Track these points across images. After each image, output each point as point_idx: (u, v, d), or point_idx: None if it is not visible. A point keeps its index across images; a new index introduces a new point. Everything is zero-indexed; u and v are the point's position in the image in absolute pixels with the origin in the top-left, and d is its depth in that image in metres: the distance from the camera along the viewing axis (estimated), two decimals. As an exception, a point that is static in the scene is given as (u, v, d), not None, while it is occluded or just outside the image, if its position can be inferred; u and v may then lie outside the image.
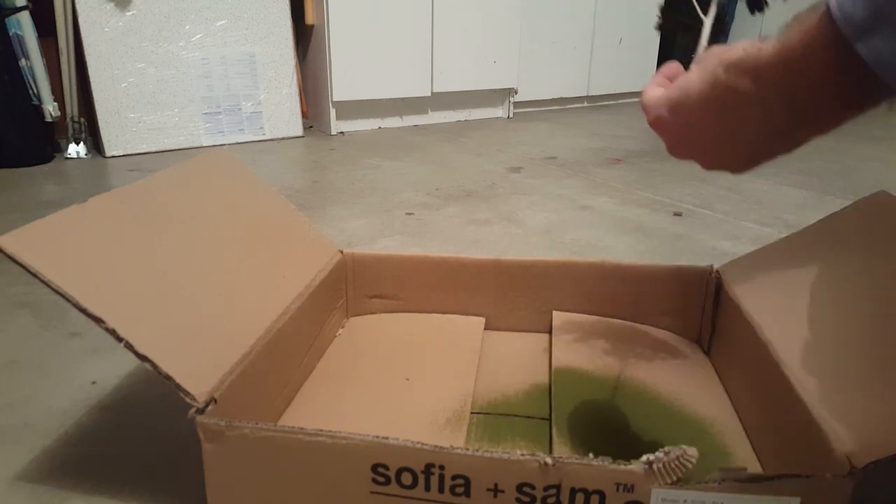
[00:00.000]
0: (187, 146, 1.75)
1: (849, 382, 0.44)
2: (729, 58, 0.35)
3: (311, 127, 2.03)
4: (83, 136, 1.64)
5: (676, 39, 2.58)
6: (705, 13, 0.54)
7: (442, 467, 0.39)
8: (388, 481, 0.40)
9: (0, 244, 0.40)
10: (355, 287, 0.72)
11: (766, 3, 0.52)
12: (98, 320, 0.41)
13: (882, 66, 0.28)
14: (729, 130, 0.37)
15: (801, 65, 0.31)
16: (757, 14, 0.53)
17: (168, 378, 0.42)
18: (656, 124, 0.41)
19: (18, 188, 1.36)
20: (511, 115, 2.29)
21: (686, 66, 0.53)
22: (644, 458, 0.37)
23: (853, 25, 0.28)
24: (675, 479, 0.37)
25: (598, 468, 0.38)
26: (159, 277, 0.50)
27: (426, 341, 0.67)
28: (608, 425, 0.54)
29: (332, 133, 1.96)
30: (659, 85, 0.42)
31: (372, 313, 0.73)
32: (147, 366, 0.42)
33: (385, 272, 0.71)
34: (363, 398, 0.58)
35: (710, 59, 0.36)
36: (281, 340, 0.55)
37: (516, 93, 2.27)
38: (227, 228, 0.60)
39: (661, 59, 2.58)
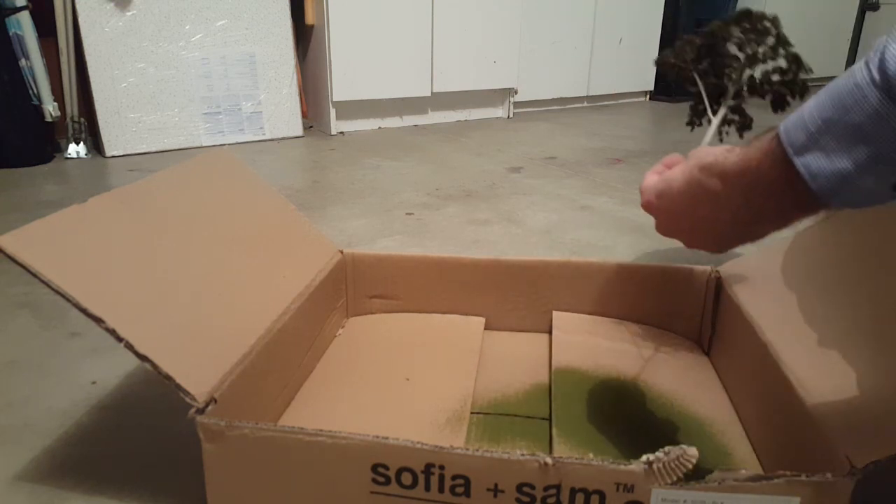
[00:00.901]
0: (187, 146, 1.75)
1: (849, 382, 0.44)
2: (704, 161, 0.43)
3: (311, 127, 2.03)
4: (83, 136, 1.64)
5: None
6: (715, 114, 0.61)
7: (442, 467, 0.39)
8: (388, 481, 0.40)
9: (0, 244, 0.40)
10: (355, 287, 0.72)
11: (788, 103, 0.59)
12: (98, 320, 0.41)
13: (812, 178, 0.36)
14: (701, 218, 0.45)
15: (755, 173, 0.40)
16: (780, 112, 0.60)
17: (168, 378, 0.42)
18: (647, 207, 0.49)
19: (18, 188, 1.36)
20: (511, 115, 2.29)
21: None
22: (644, 458, 0.37)
23: (793, 146, 0.37)
24: (675, 479, 0.37)
25: (598, 468, 0.38)
26: (159, 277, 0.50)
27: (426, 341, 0.67)
28: (608, 425, 0.54)
29: (332, 133, 1.96)
30: (657, 173, 0.50)
31: (372, 313, 0.73)
32: (147, 366, 0.42)
33: (385, 272, 0.71)
34: (363, 398, 0.58)
35: (692, 160, 0.45)
36: (281, 340, 0.55)
37: (516, 93, 2.27)
38: (227, 228, 0.60)
39: (661, 60, 2.58)
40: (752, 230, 0.43)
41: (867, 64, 0.35)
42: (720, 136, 0.65)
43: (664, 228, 0.50)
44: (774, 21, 0.61)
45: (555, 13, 2.28)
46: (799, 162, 0.36)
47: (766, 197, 0.40)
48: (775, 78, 0.62)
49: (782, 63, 0.61)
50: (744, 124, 0.66)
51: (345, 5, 1.84)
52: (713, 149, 0.44)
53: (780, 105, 0.62)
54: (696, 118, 0.68)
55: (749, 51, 0.61)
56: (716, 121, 0.60)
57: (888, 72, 0.33)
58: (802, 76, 0.61)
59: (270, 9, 1.80)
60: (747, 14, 0.61)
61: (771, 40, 0.61)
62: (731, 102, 0.62)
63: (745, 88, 0.62)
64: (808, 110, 0.37)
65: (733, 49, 0.62)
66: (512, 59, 2.18)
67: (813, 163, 0.36)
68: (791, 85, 0.61)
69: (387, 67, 1.96)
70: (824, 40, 3.07)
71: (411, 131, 2.04)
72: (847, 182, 0.35)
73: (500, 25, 2.12)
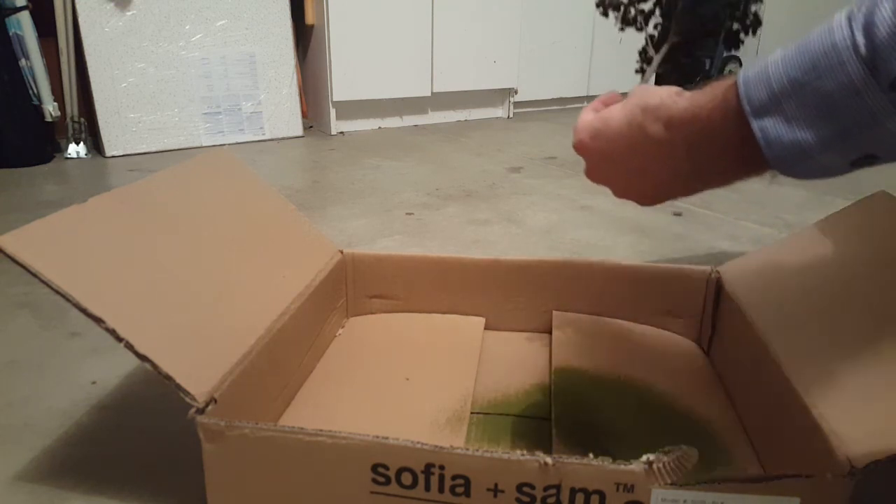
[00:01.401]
0: (187, 146, 1.75)
1: (849, 382, 0.44)
2: (648, 102, 0.39)
3: (311, 127, 2.03)
4: (83, 136, 1.64)
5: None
6: (657, 51, 0.58)
7: (442, 467, 0.39)
8: (388, 481, 0.40)
9: (0, 244, 0.40)
10: (355, 287, 0.72)
11: (741, 40, 0.55)
12: (98, 320, 0.41)
13: (768, 145, 0.32)
14: (637, 166, 0.40)
15: (704, 124, 0.35)
16: (734, 51, 0.56)
17: (168, 378, 0.42)
18: (579, 147, 0.44)
19: (18, 188, 1.36)
20: (511, 115, 2.29)
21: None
22: (644, 458, 0.37)
23: (751, 104, 0.32)
24: (675, 479, 0.37)
25: (598, 468, 0.38)
26: (159, 277, 0.50)
27: (426, 341, 0.67)
28: (608, 425, 0.54)
29: (332, 133, 1.96)
30: (594, 110, 0.45)
31: (372, 313, 0.73)
32: (147, 366, 0.42)
33: (385, 272, 0.71)
34: (363, 398, 0.58)
35: (634, 98, 0.40)
36: (281, 340, 0.55)
37: (516, 93, 2.27)
38: (227, 228, 0.60)
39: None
40: (690, 185, 0.39)
41: (850, 21, 0.29)
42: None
43: (595, 174, 0.45)
44: None
45: (555, 13, 2.28)
46: (756, 124, 0.32)
47: (712, 151, 0.36)
48: (720, 13, 0.57)
49: None
50: (705, 75, 0.61)
51: (345, 5, 1.84)
52: (660, 89, 0.39)
53: (732, 42, 0.58)
54: (645, 64, 0.63)
55: None
56: (657, 58, 0.57)
57: (875, 39, 0.28)
58: (753, 7, 0.57)
59: (270, 9, 1.80)
60: None
61: None
62: (674, 39, 0.58)
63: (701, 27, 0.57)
64: (773, 64, 0.32)
65: None
66: (512, 59, 2.18)
67: (771, 129, 0.32)
68: (741, 18, 0.57)
69: (387, 67, 1.96)
70: (824, 40, 3.06)
71: (411, 131, 2.04)
72: (806, 156, 0.32)
73: (500, 25, 2.12)
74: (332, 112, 1.95)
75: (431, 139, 1.92)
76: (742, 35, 0.57)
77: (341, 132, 1.99)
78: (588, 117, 0.44)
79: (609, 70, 2.47)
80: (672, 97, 0.38)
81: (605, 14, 0.61)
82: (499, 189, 1.38)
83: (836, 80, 0.29)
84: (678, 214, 1.20)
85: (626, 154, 0.41)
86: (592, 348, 0.64)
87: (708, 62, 0.61)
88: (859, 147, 0.31)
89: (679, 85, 0.60)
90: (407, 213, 1.21)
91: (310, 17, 1.90)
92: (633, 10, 0.59)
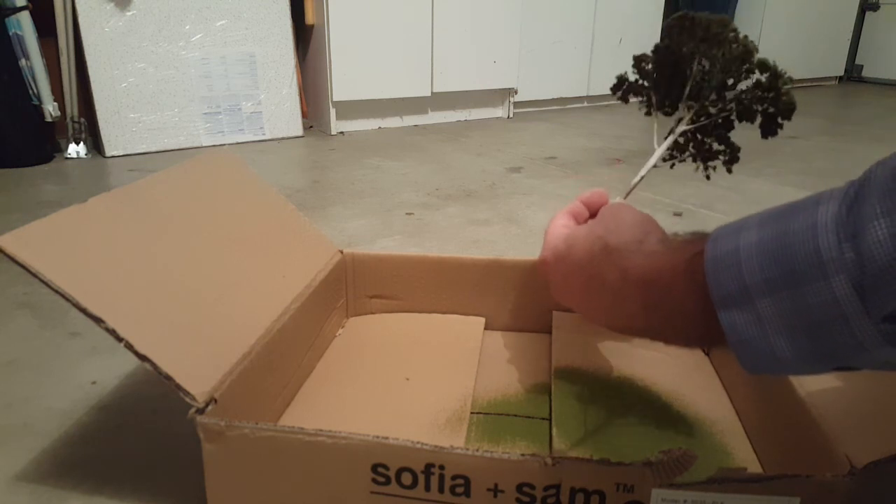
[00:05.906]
0: (187, 146, 1.75)
1: (849, 383, 0.44)
2: (609, 242, 0.36)
3: (311, 127, 2.03)
4: (83, 136, 1.64)
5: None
6: (664, 140, 0.55)
7: (442, 467, 0.39)
8: (388, 481, 0.40)
9: (0, 244, 0.40)
10: (355, 287, 0.72)
11: (780, 126, 0.53)
12: (98, 320, 0.41)
13: (737, 342, 0.28)
14: (595, 305, 0.39)
15: (662, 291, 0.32)
16: (770, 138, 0.54)
17: (168, 378, 0.42)
18: (542, 265, 0.43)
19: (18, 188, 1.36)
20: (511, 115, 2.29)
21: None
22: (644, 458, 0.37)
23: (720, 291, 0.28)
24: (674, 479, 0.37)
25: (598, 468, 0.38)
26: (159, 277, 0.50)
27: (426, 341, 0.67)
28: (608, 425, 0.54)
29: (332, 133, 1.96)
30: (569, 216, 0.44)
31: (372, 313, 0.73)
32: (147, 366, 0.42)
33: (385, 272, 0.71)
34: (363, 398, 0.58)
35: (599, 227, 0.38)
36: (281, 340, 0.55)
37: (516, 93, 2.27)
38: (227, 228, 0.60)
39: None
40: (650, 335, 0.37)
41: (837, 227, 0.24)
42: (706, 170, 0.60)
43: (558, 294, 0.44)
44: (723, 23, 0.52)
45: (555, 13, 2.28)
46: (725, 317, 0.28)
47: (671, 318, 0.33)
48: (749, 95, 0.53)
49: (761, 77, 0.53)
50: (731, 157, 0.57)
51: (345, 5, 1.84)
52: (626, 222, 0.36)
53: (769, 129, 0.54)
54: (677, 152, 0.61)
55: (707, 64, 0.54)
56: (658, 151, 0.55)
57: (867, 264, 0.23)
58: (785, 86, 0.52)
59: (270, 9, 1.80)
60: (688, 19, 0.53)
61: (734, 49, 0.52)
62: (684, 128, 0.56)
63: (732, 111, 0.55)
64: (746, 250, 0.27)
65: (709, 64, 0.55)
66: (512, 59, 2.18)
67: (741, 327, 0.27)
68: (774, 101, 0.52)
69: (387, 67, 1.96)
70: (824, 40, 3.07)
71: (411, 131, 2.04)
72: (779, 363, 0.27)
73: (500, 25, 2.12)
74: (332, 112, 1.95)
75: (431, 139, 1.93)
76: (779, 119, 0.53)
77: (341, 132, 1.99)
78: (558, 231, 0.42)
79: (609, 70, 2.47)
80: (635, 244, 0.35)
81: (626, 100, 0.59)
82: (499, 189, 1.38)
83: (819, 296, 0.25)
84: (678, 214, 1.20)
85: (584, 290, 0.39)
86: (592, 348, 0.64)
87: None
88: (841, 362, 0.27)
89: (704, 161, 0.58)
90: (407, 213, 1.21)
91: (310, 17, 1.90)
92: (654, 96, 0.57)
